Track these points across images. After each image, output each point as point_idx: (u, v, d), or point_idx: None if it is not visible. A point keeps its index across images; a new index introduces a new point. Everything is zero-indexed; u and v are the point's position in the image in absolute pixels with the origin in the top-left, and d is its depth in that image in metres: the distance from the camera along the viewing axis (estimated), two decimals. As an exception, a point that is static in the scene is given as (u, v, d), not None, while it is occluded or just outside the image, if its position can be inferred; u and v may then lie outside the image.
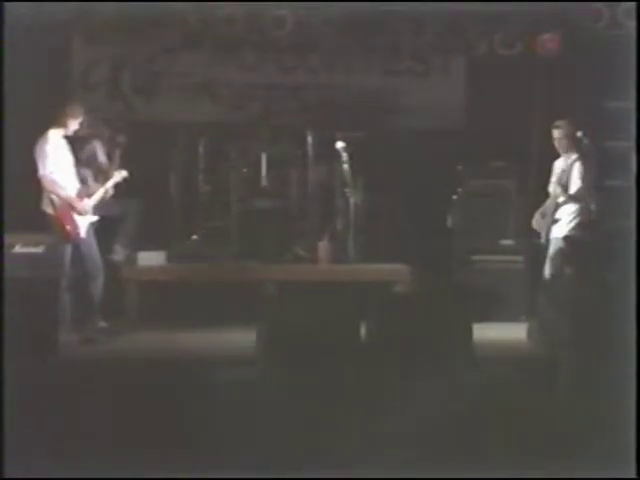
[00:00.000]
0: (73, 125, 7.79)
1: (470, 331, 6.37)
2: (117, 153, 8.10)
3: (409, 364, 5.95)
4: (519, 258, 8.73)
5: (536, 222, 8.14)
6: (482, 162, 8.81)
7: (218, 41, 9.24)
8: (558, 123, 8.11)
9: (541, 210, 8.11)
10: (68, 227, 7.70)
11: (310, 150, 9.16)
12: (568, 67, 9.13)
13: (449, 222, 8.97)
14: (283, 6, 8.95)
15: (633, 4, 8.69)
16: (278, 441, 4.89)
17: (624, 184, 9.03)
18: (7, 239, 7.75)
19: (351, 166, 8.64)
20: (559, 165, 8.18)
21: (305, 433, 4.99)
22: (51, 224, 7.77)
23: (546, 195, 8.12)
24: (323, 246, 8.71)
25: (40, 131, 7.81)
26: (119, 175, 8.00)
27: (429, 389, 5.34)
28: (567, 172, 8.03)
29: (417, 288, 8.15)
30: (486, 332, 7.42)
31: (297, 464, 4.66)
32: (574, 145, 8.10)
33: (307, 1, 8.61)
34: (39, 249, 7.97)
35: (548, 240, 8.04)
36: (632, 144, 8.99)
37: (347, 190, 8.75)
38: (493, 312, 8.24)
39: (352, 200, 8.76)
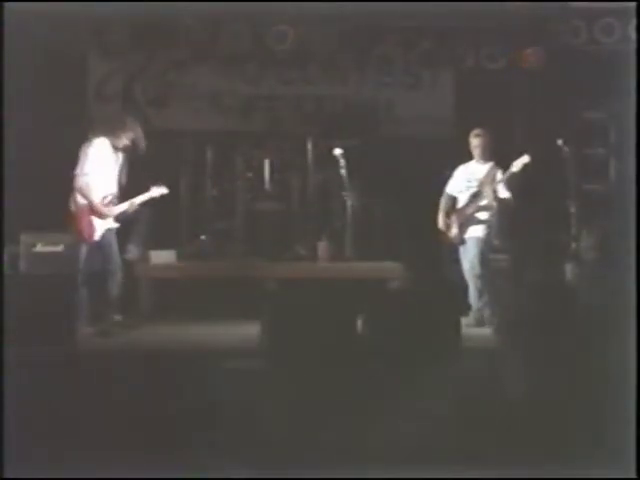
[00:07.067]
0: (123, 137, 7.83)
1: (458, 324, 6.49)
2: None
3: (401, 355, 6.02)
4: (504, 256, 8.77)
5: (444, 223, 8.29)
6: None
7: (224, 55, 9.52)
8: (478, 132, 8.20)
9: (458, 212, 8.26)
10: (83, 227, 7.77)
11: (310, 156, 9.46)
12: (550, 80, 9.35)
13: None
14: (284, 22, 9.24)
15: (614, 19, 9.10)
16: (279, 431, 4.90)
17: (602, 189, 9.45)
18: (29, 238, 7.91)
19: (348, 171, 8.81)
20: (473, 170, 8.28)
21: (302, 425, 4.98)
22: (70, 221, 7.83)
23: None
24: (322, 245, 8.90)
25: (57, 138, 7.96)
26: (157, 191, 8.01)
27: (420, 380, 5.45)
28: (489, 178, 8.11)
29: (409, 284, 8.29)
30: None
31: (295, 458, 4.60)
32: (491, 153, 8.21)
33: (307, 1, 8.74)
34: (59, 248, 7.94)
35: (463, 240, 8.24)
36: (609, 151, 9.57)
37: (344, 194, 8.95)
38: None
39: (349, 203, 8.95)
